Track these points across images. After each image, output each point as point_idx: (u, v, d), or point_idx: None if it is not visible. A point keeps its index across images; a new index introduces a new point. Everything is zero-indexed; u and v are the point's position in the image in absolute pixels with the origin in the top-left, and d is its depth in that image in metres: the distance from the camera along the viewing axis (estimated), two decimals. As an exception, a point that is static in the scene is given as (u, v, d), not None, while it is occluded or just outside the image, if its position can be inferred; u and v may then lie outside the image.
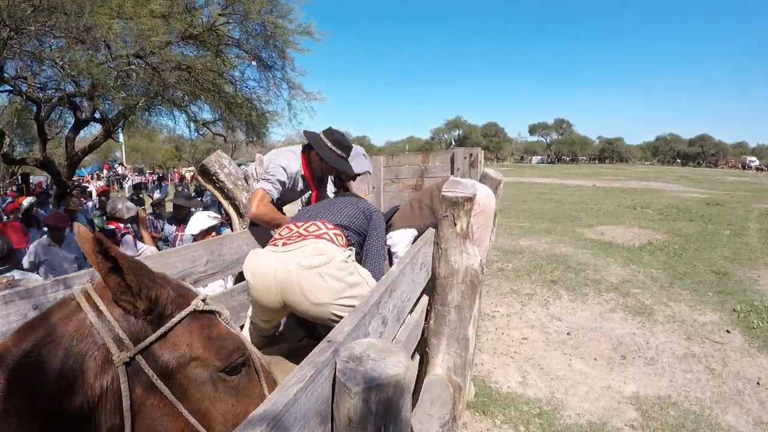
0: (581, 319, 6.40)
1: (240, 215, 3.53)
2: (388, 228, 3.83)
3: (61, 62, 7.21)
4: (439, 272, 2.72)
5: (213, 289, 3.76)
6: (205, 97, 11.89)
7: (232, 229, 4.12)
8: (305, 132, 3.58)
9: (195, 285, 2.74)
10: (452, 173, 4.89)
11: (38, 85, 9.61)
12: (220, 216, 5.06)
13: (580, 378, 4.90)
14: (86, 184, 25.35)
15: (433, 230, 2.80)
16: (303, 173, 3.46)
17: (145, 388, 1.16)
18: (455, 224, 2.59)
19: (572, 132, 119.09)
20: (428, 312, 2.86)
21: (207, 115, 14.31)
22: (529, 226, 13.51)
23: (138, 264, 1.19)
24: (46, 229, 6.26)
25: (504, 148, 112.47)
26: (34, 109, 10.76)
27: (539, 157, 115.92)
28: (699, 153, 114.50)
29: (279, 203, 3.47)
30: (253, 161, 4.51)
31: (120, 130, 19.75)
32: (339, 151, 3.36)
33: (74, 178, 30.92)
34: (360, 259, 2.73)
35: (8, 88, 9.45)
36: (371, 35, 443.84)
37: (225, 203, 3.56)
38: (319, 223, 2.55)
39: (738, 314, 6.48)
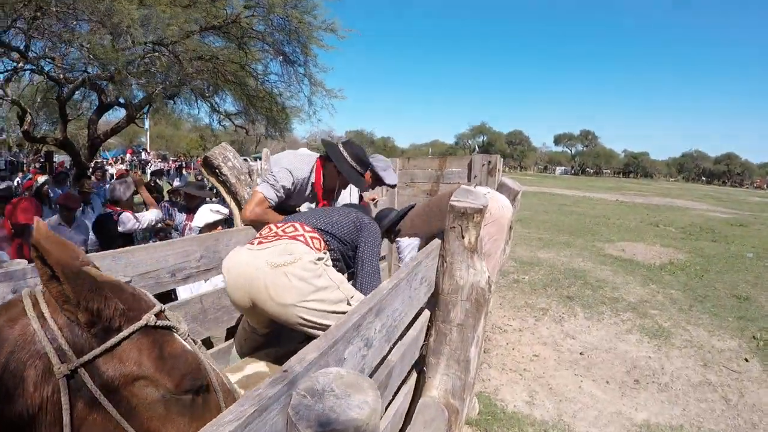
0: (595, 339, 6.19)
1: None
2: (396, 233, 3.75)
3: (87, 45, 7.17)
4: (443, 287, 2.56)
5: (215, 283, 3.62)
6: (227, 89, 11.86)
7: (232, 225, 4.02)
8: (324, 141, 3.54)
9: (188, 280, 2.70)
10: (469, 180, 4.75)
11: (65, 67, 9.64)
12: (229, 210, 4.92)
13: (590, 401, 4.70)
14: (108, 167, 25.57)
15: (439, 242, 2.63)
16: (313, 181, 3.38)
17: (88, 403, 1.06)
18: (463, 237, 2.44)
19: (597, 144, 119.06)
20: (428, 329, 2.69)
21: (229, 107, 14.35)
22: (548, 237, 13.30)
23: (79, 273, 1.06)
24: (57, 208, 6.30)
25: (528, 157, 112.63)
26: (58, 89, 10.76)
27: (563, 168, 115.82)
28: (724, 171, 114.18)
29: (284, 206, 3.38)
30: (276, 155, 4.36)
31: (145, 116, 19.95)
32: (358, 167, 3.33)
33: (99, 160, 31.35)
34: (341, 267, 2.60)
35: (30, 67, 9.45)
36: (399, 35, 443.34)
37: (227, 198, 3.45)
38: (297, 225, 2.49)
39: (758, 342, 6.24)
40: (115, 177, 17.33)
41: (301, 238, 2.39)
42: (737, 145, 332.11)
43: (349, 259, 2.63)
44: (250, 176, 3.40)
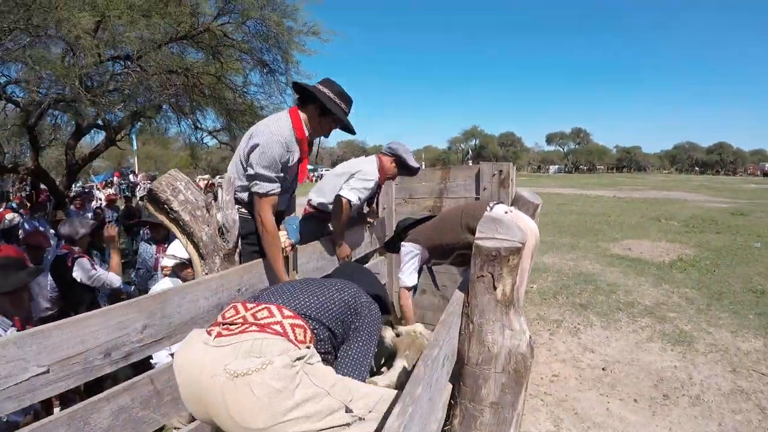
0: (616, 351, 5.81)
1: (201, 255, 2.69)
2: (403, 238, 3.62)
3: (30, 60, 6.64)
4: (469, 356, 1.92)
5: (161, 359, 3.08)
6: (204, 104, 11.36)
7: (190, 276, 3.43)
8: (297, 84, 3.06)
9: (130, 358, 2.05)
10: (477, 193, 4.22)
11: (23, 87, 9.17)
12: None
13: (620, 425, 4.29)
14: (97, 191, 25.04)
15: (461, 296, 1.98)
16: (297, 137, 2.89)
17: None
18: (494, 288, 1.80)
19: (590, 141, 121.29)
20: (451, 407, 2.03)
21: (211, 123, 13.86)
22: (551, 240, 12.91)
23: None
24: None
25: (521, 158, 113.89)
26: (24, 114, 10.25)
27: (556, 167, 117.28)
28: (717, 161, 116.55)
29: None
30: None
31: (132, 136, 19.45)
32: (343, 105, 2.97)
33: (88, 185, 30.80)
34: (331, 361, 1.93)
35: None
36: (385, 39, 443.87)
37: (182, 240, 2.70)
38: (273, 308, 1.81)
39: (782, 340, 6.03)
40: (104, 203, 16.85)
41: (278, 327, 1.75)
42: (728, 134, 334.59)
43: (333, 347, 1.94)
44: (208, 211, 2.66)
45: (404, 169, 4.13)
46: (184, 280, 3.69)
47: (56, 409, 3.37)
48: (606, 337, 6.22)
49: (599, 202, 25.77)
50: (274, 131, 2.77)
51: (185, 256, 3.50)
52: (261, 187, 2.73)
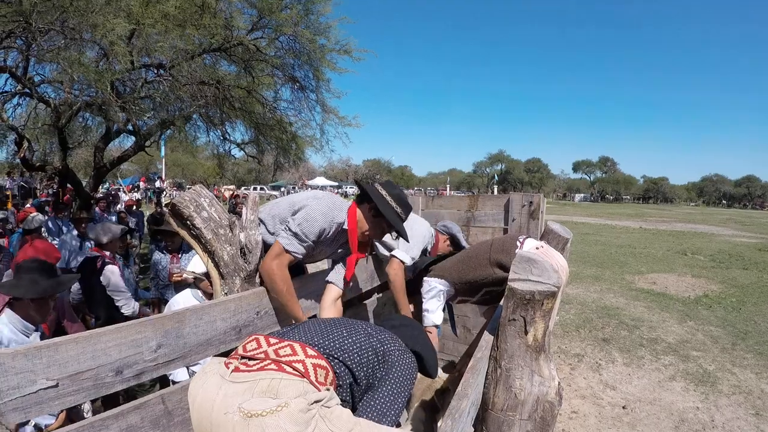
0: (638, 389, 5.72)
1: (221, 275, 2.64)
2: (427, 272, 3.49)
3: (63, 62, 6.68)
4: (494, 401, 1.82)
5: (181, 377, 3.03)
6: (235, 117, 11.40)
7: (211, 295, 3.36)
8: (359, 182, 3.09)
9: (142, 377, 1.99)
10: (506, 224, 4.14)
11: (58, 88, 9.27)
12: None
13: None
14: (122, 194, 25.26)
15: (490, 339, 1.90)
16: (346, 227, 2.86)
17: None
18: (526, 332, 1.72)
19: (616, 170, 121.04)
20: None
21: (239, 135, 13.92)
22: (576, 271, 12.78)
23: None
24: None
25: (547, 185, 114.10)
26: (54, 114, 10.35)
27: (582, 195, 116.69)
28: (745, 194, 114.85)
29: (304, 260, 2.99)
30: (294, 185, 3.69)
31: (159, 143, 19.60)
32: (399, 210, 2.82)
33: (116, 187, 31.12)
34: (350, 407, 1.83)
35: (15, 87, 9.09)
36: (416, 60, 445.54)
37: (203, 257, 2.65)
38: (297, 346, 1.74)
39: (807, 383, 5.92)
40: (124, 207, 17.00)
41: (299, 366, 1.67)
42: (757, 168, 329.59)
43: (351, 393, 1.83)
44: (231, 230, 2.60)
45: (457, 248, 4.13)
46: (204, 292, 3.65)
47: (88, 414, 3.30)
48: (628, 374, 6.14)
49: (625, 232, 25.70)
50: (330, 207, 2.78)
51: (202, 270, 3.47)
52: (289, 243, 2.68)
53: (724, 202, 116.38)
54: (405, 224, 2.88)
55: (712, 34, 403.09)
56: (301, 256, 2.72)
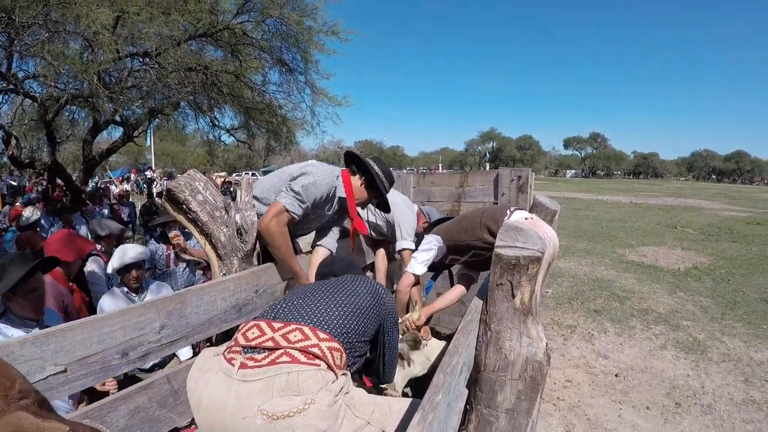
0: (629, 358, 5.84)
1: (219, 256, 2.68)
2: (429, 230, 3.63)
3: (48, 55, 6.65)
4: (485, 363, 1.88)
5: (185, 355, 3.08)
6: (223, 102, 11.38)
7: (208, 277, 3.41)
8: (350, 152, 3.17)
9: (147, 357, 2.04)
10: (496, 199, 4.21)
11: (42, 83, 9.22)
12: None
13: None
14: (112, 186, 25.11)
15: (479, 303, 1.96)
16: (341, 195, 3.01)
17: None
18: (513, 296, 1.77)
19: (607, 146, 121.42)
20: (466, 412, 1.97)
21: (229, 120, 13.88)
22: (567, 245, 12.91)
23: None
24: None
25: (538, 161, 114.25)
26: (41, 109, 10.29)
27: (573, 171, 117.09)
28: (734, 169, 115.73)
29: (298, 229, 3.11)
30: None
31: (149, 133, 19.49)
32: (386, 185, 3.07)
33: (105, 180, 30.90)
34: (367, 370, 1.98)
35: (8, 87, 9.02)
36: (404, 38, 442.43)
37: (200, 240, 2.68)
38: (307, 330, 1.64)
39: (796, 350, 6.06)
40: (117, 196, 16.93)
41: (316, 351, 1.58)
42: (746, 143, 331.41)
43: (361, 356, 1.86)
44: (227, 212, 2.63)
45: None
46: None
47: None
48: (620, 344, 6.25)
49: (616, 207, 25.88)
50: (329, 173, 2.88)
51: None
52: (289, 202, 2.73)
53: (713, 177, 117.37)
54: (401, 211, 3.06)
55: (703, 8, 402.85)
56: (298, 218, 2.79)
